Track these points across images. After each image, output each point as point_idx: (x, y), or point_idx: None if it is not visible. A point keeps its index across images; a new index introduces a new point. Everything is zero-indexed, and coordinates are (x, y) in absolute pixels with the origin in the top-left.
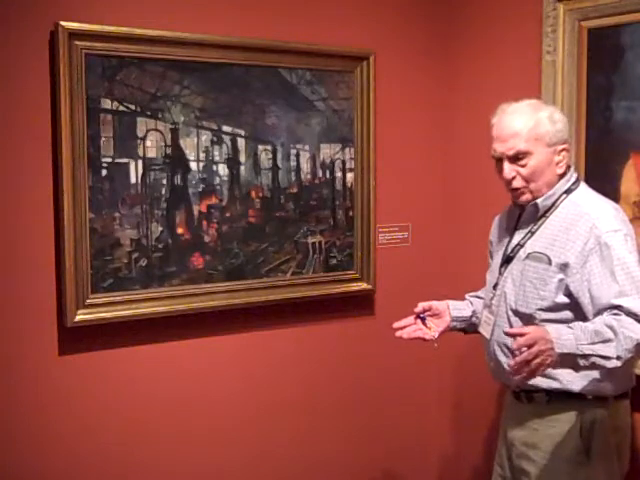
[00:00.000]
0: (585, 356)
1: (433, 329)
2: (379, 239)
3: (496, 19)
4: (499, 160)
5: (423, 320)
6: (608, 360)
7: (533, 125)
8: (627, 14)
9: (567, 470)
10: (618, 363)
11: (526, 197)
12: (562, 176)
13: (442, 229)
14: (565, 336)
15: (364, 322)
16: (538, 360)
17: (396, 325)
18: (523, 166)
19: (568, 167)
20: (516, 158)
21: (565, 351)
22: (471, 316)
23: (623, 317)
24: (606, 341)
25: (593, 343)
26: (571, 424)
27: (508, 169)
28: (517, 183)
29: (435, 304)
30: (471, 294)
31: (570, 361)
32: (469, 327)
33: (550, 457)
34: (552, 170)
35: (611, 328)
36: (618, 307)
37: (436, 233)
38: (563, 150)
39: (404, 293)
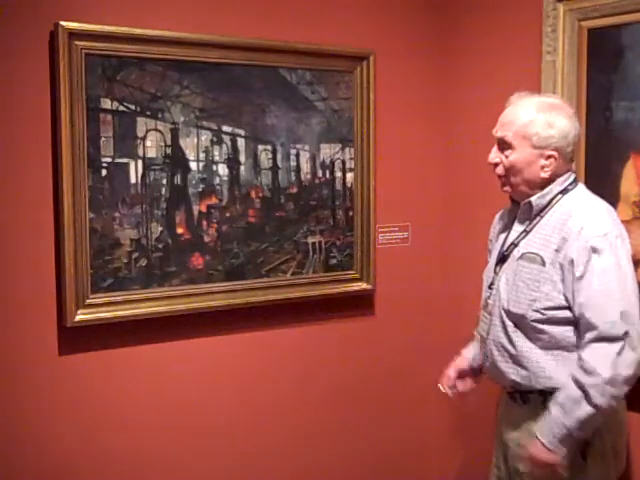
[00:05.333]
0: (570, 427)
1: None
2: (379, 239)
3: (496, 19)
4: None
5: None
6: (591, 416)
7: (525, 123)
8: (627, 14)
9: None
10: (601, 411)
11: (507, 189)
12: (549, 180)
13: (442, 229)
14: (547, 427)
15: (364, 322)
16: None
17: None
18: (506, 157)
19: (557, 174)
20: (503, 146)
21: (554, 438)
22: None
23: (584, 359)
24: (578, 401)
25: (570, 411)
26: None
27: (494, 153)
28: (499, 170)
29: (460, 368)
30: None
31: (568, 437)
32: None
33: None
34: (533, 171)
35: (577, 383)
36: (584, 319)
37: (436, 233)
38: (551, 157)
39: (404, 293)
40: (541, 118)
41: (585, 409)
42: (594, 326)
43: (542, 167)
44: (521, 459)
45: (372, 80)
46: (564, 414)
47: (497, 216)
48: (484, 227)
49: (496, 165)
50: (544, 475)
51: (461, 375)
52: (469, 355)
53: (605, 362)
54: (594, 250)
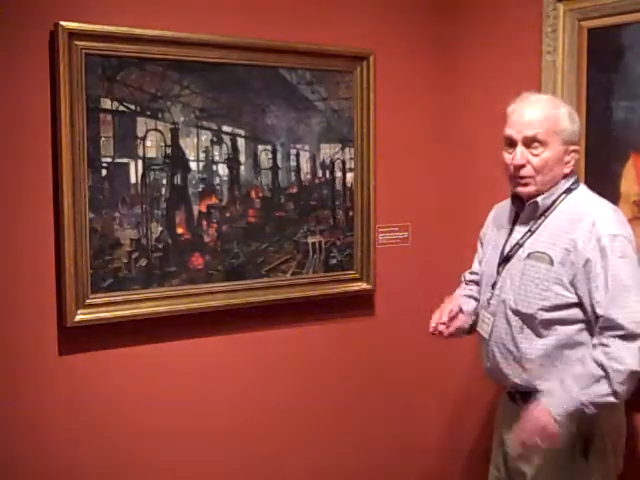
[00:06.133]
0: (585, 403)
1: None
2: (379, 239)
3: (496, 19)
4: (510, 145)
5: None
6: (607, 397)
7: (554, 118)
8: (627, 14)
9: (563, 471)
10: (616, 400)
11: (530, 189)
12: (566, 176)
13: (442, 229)
14: (557, 398)
15: (364, 322)
16: (539, 440)
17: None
18: (536, 155)
19: (573, 170)
20: (531, 146)
21: (563, 409)
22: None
23: (611, 346)
24: (598, 379)
25: (587, 387)
26: (567, 425)
27: (520, 154)
28: (526, 172)
29: (452, 307)
30: (464, 294)
31: (576, 411)
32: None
33: (546, 458)
34: (560, 168)
35: (601, 365)
36: (608, 320)
37: (436, 233)
38: (573, 151)
39: (404, 293)
40: (564, 112)
41: (604, 390)
42: (620, 326)
43: (566, 163)
44: (516, 438)
45: (372, 80)
46: (580, 389)
47: (491, 215)
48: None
49: (521, 167)
50: (531, 442)
51: (453, 316)
52: (464, 304)
53: (633, 355)
54: (610, 249)
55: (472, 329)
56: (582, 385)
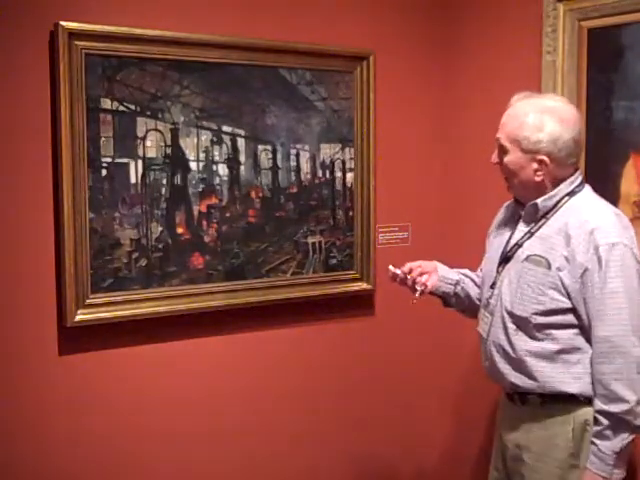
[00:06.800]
0: (622, 449)
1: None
2: (379, 239)
3: (496, 19)
4: None
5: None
6: (634, 433)
7: (517, 126)
8: (627, 14)
9: (560, 472)
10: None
11: (511, 190)
12: (543, 183)
13: (442, 229)
14: (599, 461)
15: (364, 322)
16: None
17: (392, 269)
18: (503, 159)
19: (556, 178)
20: (499, 149)
21: (611, 465)
22: (457, 282)
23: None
24: (616, 428)
25: (614, 438)
26: (564, 426)
27: (495, 154)
28: (501, 171)
29: (423, 263)
30: (461, 270)
31: (625, 451)
32: (450, 296)
33: (543, 459)
34: (527, 175)
35: (609, 414)
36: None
37: (436, 233)
38: (542, 162)
39: (404, 293)
40: (531, 122)
41: (627, 432)
42: (609, 341)
43: (535, 171)
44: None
45: (372, 80)
46: (610, 442)
47: (501, 210)
48: (484, 227)
49: (498, 166)
50: None
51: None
52: (444, 270)
53: (629, 386)
54: (607, 259)
55: (452, 302)
56: (608, 438)
